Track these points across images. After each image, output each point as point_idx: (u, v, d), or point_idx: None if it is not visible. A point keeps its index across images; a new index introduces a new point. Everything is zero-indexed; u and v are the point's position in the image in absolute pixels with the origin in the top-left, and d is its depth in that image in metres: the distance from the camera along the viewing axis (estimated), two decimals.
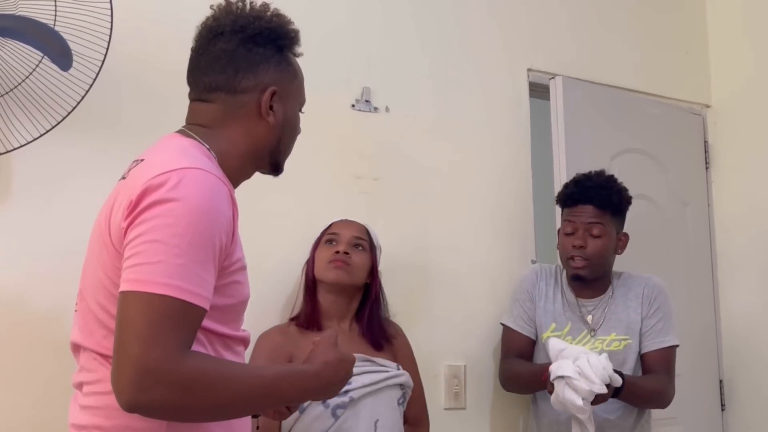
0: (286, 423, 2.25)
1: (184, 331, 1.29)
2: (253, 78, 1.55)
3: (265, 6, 1.60)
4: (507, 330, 2.80)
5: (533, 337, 2.76)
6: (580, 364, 2.35)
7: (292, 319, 2.47)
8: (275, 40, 1.58)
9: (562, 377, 2.37)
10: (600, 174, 2.74)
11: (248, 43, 1.55)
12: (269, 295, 2.54)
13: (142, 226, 1.31)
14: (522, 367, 2.72)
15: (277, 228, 2.59)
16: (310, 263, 2.48)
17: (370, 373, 2.34)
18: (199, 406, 1.29)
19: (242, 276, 1.47)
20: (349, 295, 2.46)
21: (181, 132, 1.55)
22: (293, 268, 2.60)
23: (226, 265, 1.40)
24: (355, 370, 2.19)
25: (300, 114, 1.66)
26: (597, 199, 2.66)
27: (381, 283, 2.52)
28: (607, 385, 2.36)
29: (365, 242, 2.48)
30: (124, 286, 1.29)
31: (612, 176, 2.74)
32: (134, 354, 1.24)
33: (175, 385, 1.25)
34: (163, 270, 1.28)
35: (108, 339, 1.37)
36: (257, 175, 2.61)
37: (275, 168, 1.66)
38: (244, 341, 1.53)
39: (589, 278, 2.69)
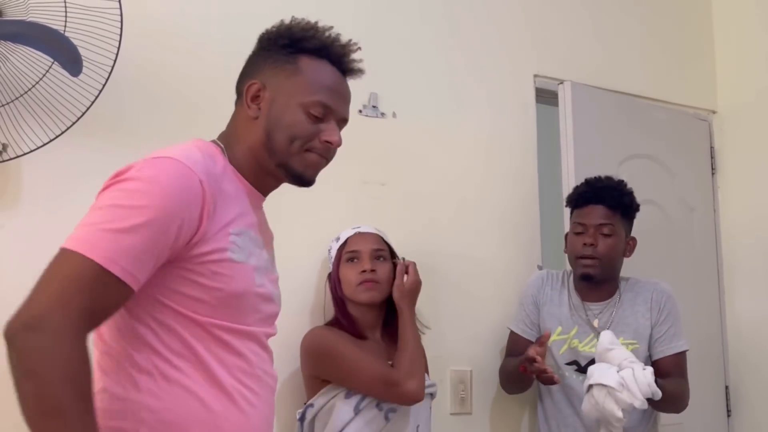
0: (339, 421, 2.29)
1: (91, 294, 1.29)
2: (250, 78, 1.60)
3: (301, 20, 1.65)
4: (510, 333, 2.84)
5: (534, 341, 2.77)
6: (625, 376, 2.31)
7: (329, 324, 2.49)
8: (276, 40, 1.61)
9: (604, 385, 2.33)
10: (610, 177, 2.77)
11: (256, 48, 1.65)
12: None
13: (96, 199, 1.41)
14: (509, 362, 2.74)
15: (284, 234, 2.58)
16: (336, 281, 2.47)
17: None
18: (46, 386, 1.22)
19: (227, 269, 1.46)
20: (379, 307, 2.49)
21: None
22: (302, 272, 2.61)
23: (197, 255, 1.42)
24: None
25: (314, 118, 1.57)
26: (608, 199, 2.68)
27: None
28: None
29: (385, 251, 2.49)
30: None
31: (622, 180, 2.77)
32: (35, 300, 1.27)
33: (52, 341, 1.24)
34: (88, 232, 1.33)
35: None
36: None
37: (287, 171, 1.59)
38: (253, 336, 1.52)
39: (598, 278, 2.69)
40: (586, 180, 2.80)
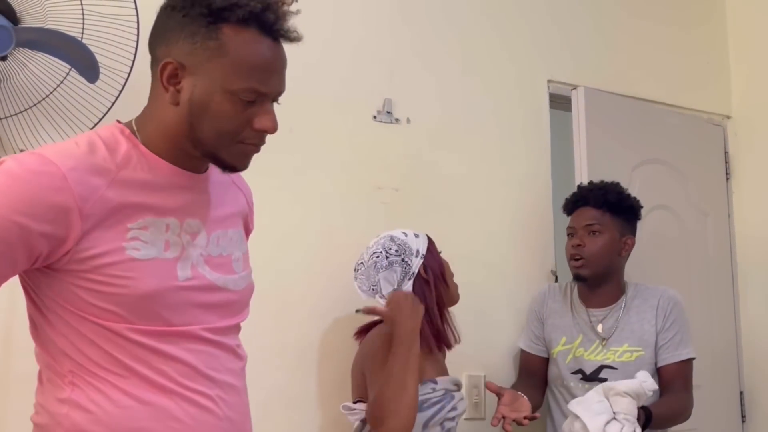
0: None
1: None
2: (165, 48, 1.38)
3: None
4: (521, 351, 2.88)
5: (544, 355, 2.82)
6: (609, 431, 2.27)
7: None
8: (194, 4, 1.36)
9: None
10: (603, 181, 2.80)
11: (170, 7, 1.40)
12: (291, 304, 2.55)
13: None
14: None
15: (297, 238, 2.60)
16: (442, 275, 2.41)
17: (464, 400, 2.38)
18: None
19: (129, 269, 1.32)
20: None
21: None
22: (313, 277, 2.61)
23: (87, 258, 1.30)
24: (458, 395, 2.29)
25: (247, 103, 1.37)
26: (593, 199, 2.72)
27: None
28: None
29: None
30: None
31: (617, 183, 2.78)
32: None
33: None
34: None
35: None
36: (274, 184, 2.63)
37: (216, 161, 1.42)
38: (186, 335, 1.38)
39: (591, 278, 2.70)
40: (577, 186, 2.86)
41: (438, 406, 2.25)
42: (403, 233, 2.40)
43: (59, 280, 1.32)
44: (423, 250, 2.39)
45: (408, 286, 2.33)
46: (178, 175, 1.41)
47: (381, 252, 2.36)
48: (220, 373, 1.42)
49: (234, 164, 1.42)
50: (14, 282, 1.37)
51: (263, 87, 1.37)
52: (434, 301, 2.37)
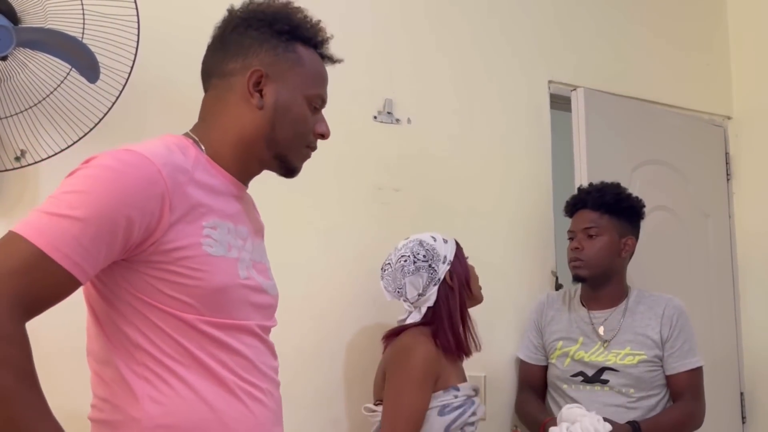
0: None
1: (29, 280, 1.22)
2: (242, 60, 1.53)
3: (287, 3, 1.60)
4: (520, 362, 2.90)
5: (543, 364, 2.83)
6: (571, 429, 2.35)
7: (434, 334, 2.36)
8: (271, 24, 1.55)
9: None
10: (604, 182, 2.80)
11: (241, 27, 1.56)
12: (290, 304, 2.55)
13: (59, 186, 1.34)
14: (528, 405, 2.80)
15: (297, 238, 2.60)
16: (467, 282, 2.42)
17: (482, 405, 2.38)
18: None
19: (205, 263, 1.40)
20: None
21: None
22: (313, 277, 2.61)
23: (168, 251, 1.36)
24: (477, 400, 2.29)
25: (313, 109, 1.58)
26: (591, 201, 2.73)
27: None
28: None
29: None
30: None
31: (617, 184, 2.78)
32: None
33: None
34: (37, 217, 1.27)
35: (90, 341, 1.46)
36: (277, 184, 2.64)
37: (282, 163, 1.58)
38: (246, 329, 1.48)
39: (589, 277, 2.71)
40: (577, 188, 2.86)
41: (459, 411, 2.26)
42: (432, 238, 2.41)
43: (135, 271, 1.38)
44: (450, 257, 2.40)
45: (433, 291, 2.35)
46: (234, 184, 1.53)
47: (409, 256, 2.36)
48: (268, 369, 1.53)
49: (297, 166, 1.60)
50: None
51: (325, 94, 1.61)
52: (458, 307, 2.37)
